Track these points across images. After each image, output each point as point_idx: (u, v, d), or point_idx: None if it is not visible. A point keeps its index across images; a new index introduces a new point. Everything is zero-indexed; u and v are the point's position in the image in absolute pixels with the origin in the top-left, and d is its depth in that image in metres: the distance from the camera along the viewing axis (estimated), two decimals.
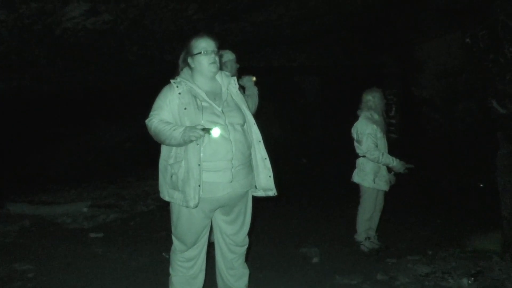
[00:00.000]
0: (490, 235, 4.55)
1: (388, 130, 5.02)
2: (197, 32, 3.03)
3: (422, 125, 8.99)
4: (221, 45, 4.20)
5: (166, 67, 3.21)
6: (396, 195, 4.55)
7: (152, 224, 5.63)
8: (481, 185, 7.30)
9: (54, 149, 9.33)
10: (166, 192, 2.87)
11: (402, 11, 7.26)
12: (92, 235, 5.20)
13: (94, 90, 8.66)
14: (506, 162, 3.80)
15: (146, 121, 2.84)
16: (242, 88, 4.35)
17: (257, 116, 4.04)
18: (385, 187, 4.64)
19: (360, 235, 4.72)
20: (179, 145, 2.73)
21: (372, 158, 4.49)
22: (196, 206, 2.74)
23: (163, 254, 4.30)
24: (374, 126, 4.58)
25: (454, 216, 5.91)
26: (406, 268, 4.12)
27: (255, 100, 4.37)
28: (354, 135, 4.68)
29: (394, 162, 4.52)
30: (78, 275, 4.02)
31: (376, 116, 4.68)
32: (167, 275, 3.12)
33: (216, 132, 2.65)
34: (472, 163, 7.76)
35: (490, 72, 3.87)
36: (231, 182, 2.80)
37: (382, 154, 4.49)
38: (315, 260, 4.41)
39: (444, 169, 8.19)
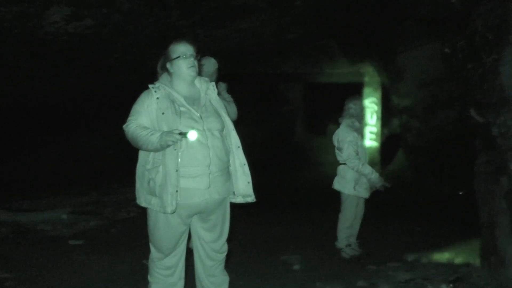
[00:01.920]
0: (469, 242, 4.61)
1: (370, 138, 5.07)
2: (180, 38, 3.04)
3: (402, 133, 9.10)
4: (205, 52, 4.22)
5: (149, 74, 3.21)
6: (376, 202, 4.59)
7: (133, 231, 5.58)
8: (460, 192, 7.41)
9: (35, 156, 9.21)
10: (143, 198, 2.85)
11: (384, 21, 7.36)
12: (72, 242, 5.13)
13: (76, 96, 8.58)
14: (483, 170, 3.85)
15: (124, 126, 2.82)
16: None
17: (240, 122, 4.06)
18: (365, 194, 4.67)
19: (341, 242, 4.74)
20: (156, 150, 2.71)
21: (352, 166, 4.52)
22: (174, 212, 2.73)
23: (144, 261, 4.25)
24: (355, 133, 4.62)
25: (434, 223, 5.98)
26: (386, 275, 4.15)
27: (233, 106, 4.37)
28: (335, 143, 4.71)
29: (373, 175, 4.54)
30: (57, 283, 3.95)
31: (357, 124, 4.72)
32: (147, 283, 3.09)
33: (192, 135, 2.64)
34: (451, 171, 7.87)
35: (469, 82, 3.93)
36: (208, 188, 2.79)
37: (362, 164, 4.51)
38: (296, 267, 4.41)
39: (424, 177, 8.29)
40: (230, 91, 4.54)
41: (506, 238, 3.44)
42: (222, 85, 4.44)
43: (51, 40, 5.41)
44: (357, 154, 4.56)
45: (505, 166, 3.37)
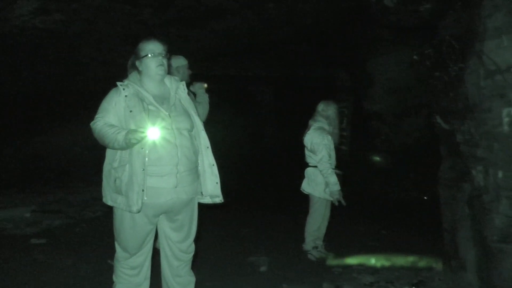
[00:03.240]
0: (432, 246, 4.71)
1: (339, 142, 5.09)
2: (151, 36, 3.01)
3: (371, 139, 9.23)
4: (177, 52, 4.19)
5: (119, 71, 3.17)
6: (344, 206, 4.64)
7: (99, 230, 5.49)
8: (425, 197, 7.57)
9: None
10: (109, 197, 2.81)
11: (355, 27, 7.47)
12: (34, 241, 5.00)
13: (43, 92, 8.39)
14: (447, 176, 3.94)
15: (91, 123, 2.78)
16: (193, 95, 4.33)
17: (210, 123, 4.04)
18: None
19: (308, 244, 4.78)
20: (122, 148, 2.68)
21: (321, 169, 4.53)
22: (139, 211, 2.70)
23: (108, 261, 4.19)
24: (329, 137, 4.64)
25: (399, 228, 6.09)
26: (351, 278, 4.21)
27: (206, 107, 4.37)
28: (308, 145, 4.70)
29: (335, 186, 4.51)
30: (17, 283, 3.84)
31: (329, 127, 4.73)
32: (112, 283, 3.04)
33: (153, 133, 2.61)
34: (417, 176, 8.03)
35: (435, 89, 4.02)
36: (175, 187, 2.77)
37: (331, 170, 4.53)
38: (263, 268, 4.42)
39: (391, 181, 8.43)
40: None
41: (467, 243, 3.52)
42: (199, 85, 4.43)
43: (18, 34, 5.28)
44: (330, 157, 4.58)
45: (468, 172, 3.45)
